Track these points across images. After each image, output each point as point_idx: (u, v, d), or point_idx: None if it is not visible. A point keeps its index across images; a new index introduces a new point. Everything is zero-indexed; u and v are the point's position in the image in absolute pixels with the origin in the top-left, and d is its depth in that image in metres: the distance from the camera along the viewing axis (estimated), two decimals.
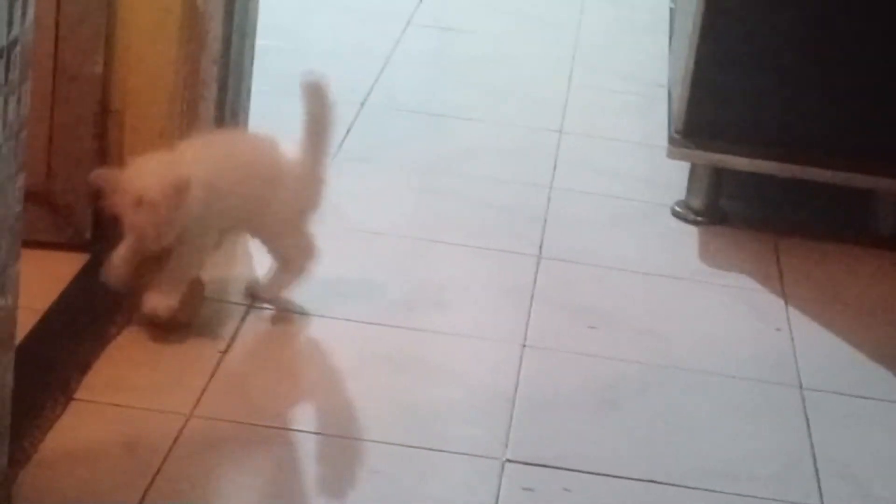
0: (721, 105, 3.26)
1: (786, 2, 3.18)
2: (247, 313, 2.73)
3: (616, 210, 3.36)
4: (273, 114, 3.53)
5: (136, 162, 2.54)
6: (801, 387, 2.73)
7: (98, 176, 2.51)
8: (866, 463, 2.53)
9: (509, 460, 2.41)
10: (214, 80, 2.85)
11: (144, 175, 2.48)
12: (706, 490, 2.40)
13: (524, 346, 2.75)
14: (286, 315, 2.75)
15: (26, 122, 1.93)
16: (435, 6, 4.53)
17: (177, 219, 2.48)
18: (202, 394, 2.46)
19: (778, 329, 2.93)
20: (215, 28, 2.81)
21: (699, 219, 3.35)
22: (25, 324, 2.44)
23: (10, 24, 1.82)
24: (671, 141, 3.29)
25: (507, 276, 3.01)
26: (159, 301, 2.55)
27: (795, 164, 3.25)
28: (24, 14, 1.87)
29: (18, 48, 1.87)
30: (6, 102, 1.85)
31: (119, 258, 2.56)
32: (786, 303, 3.03)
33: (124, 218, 2.50)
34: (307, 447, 2.39)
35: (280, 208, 2.68)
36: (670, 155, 3.30)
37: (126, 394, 2.43)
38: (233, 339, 2.64)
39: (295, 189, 2.70)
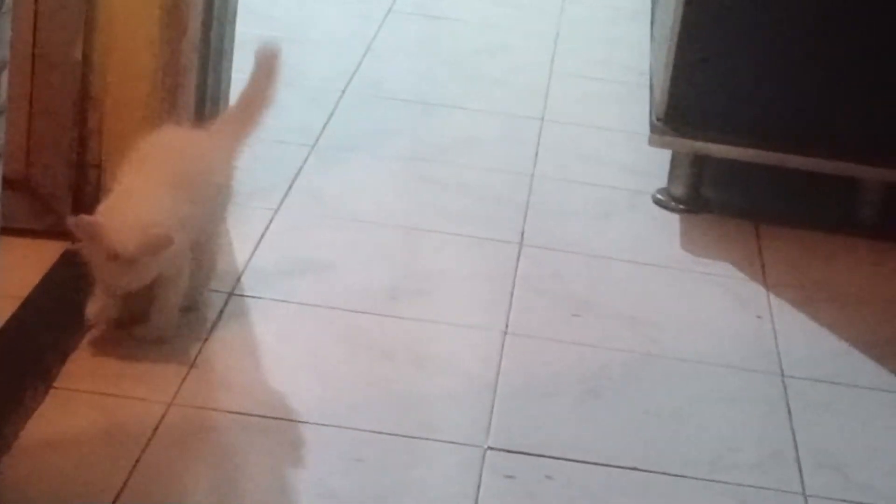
0: (702, 92, 3.26)
1: None
2: (228, 301, 2.72)
3: (598, 198, 3.36)
4: None
5: (110, 209, 2.46)
6: (782, 374, 2.73)
7: (77, 224, 2.41)
8: (847, 450, 2.53)
9: (491, 448, 2.40)
10: (194, 66, 2.84)
11: (122, 229, 2.40)
12: (688, 477, 2.40)
13: (506, 333, 2.75)
14: (268, 303, 2.74)
15: (5, 108, 1.92)
16: None
17: (152, 270, 2.43)
18: (183, 382, 2.45)
19: (759, 317, 2.94)
20: (195, 14, 2.80)
21: (681, 207, 3.35)
22: (5, 311, 2.44)
23: None
24: (652, 128, 3.29)
25: (489, 264, 3.01)
26: (158, 338, 2.53)
27: (777, 151, 3.25)
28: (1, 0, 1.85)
29: None
30: None
31: (96, 309, 2.50)
32: (767, 291, 3.03)
33: (97, 269, 2.44)
34: (289, 435, 2.39)
35: (222, 201, 2.66)
36: (651, 142, 3.30)
37: (106, 382, 2.42)
38: (213, 326, 2.64)
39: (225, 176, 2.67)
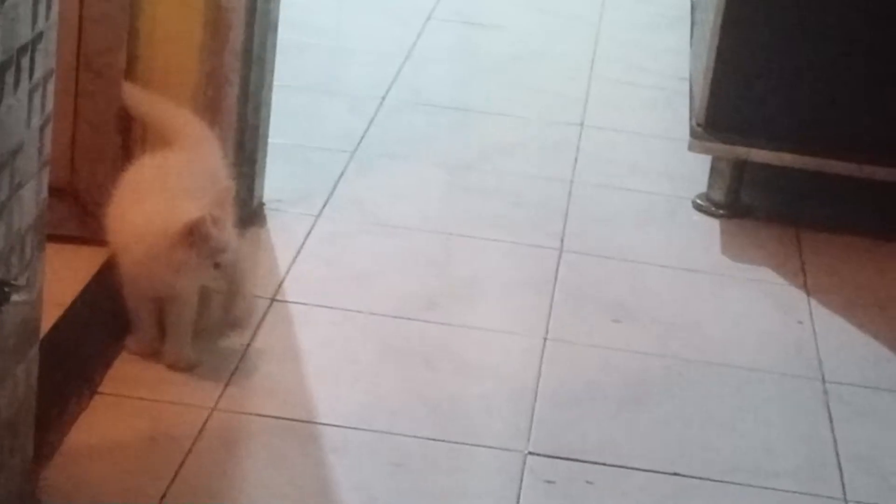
0: (742, 98, 3.25)
1: None
2: (270, 306, 2.74)
3: (638, 203, 3.36)
4: (293, 108, 3.55)
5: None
6: (823, 380, 2.73)
7: (196, 225, 2.37)
8: (889, 456, 2.52)
9: (531, 453, 2.41)
10: (237, 74, 2.85)
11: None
12: (729, 483, 2.40)
13: (546, 339, 2.76)
14: (309, 309, 2.76)
15: (51, 117, 1.94)
16: (455, 1, 4.53)
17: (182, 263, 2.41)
18: (226, 387, 2.47)
19: (800, 322, 2.93)
20: (238, 22, 2.82)
21: (721, 212, 3.34)
22: (49, 318, 2.45)
23: (34, 19, 1.83)
24: (692, 134, 3.29)
25: (529, 271, 3.01)
26: (177, 358, 2.51)
27: (817, 157, 3.25)
28: (48, 9, 1.87)
29: (42, 43, 1.87)
30: (31, 98, 1.86)
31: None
32: (808, 296, 3.03)
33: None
34: (331, 440, 2.40)
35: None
36: (692, 148, 3.29)
37: (150, 387, 2.43)
38: (256, 331, 2.65)
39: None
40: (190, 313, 2.51)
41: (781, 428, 2.58)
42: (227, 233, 2.42)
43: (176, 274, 2.41)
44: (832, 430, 2.58)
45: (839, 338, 2.88)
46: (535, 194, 3.34)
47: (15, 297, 1.77)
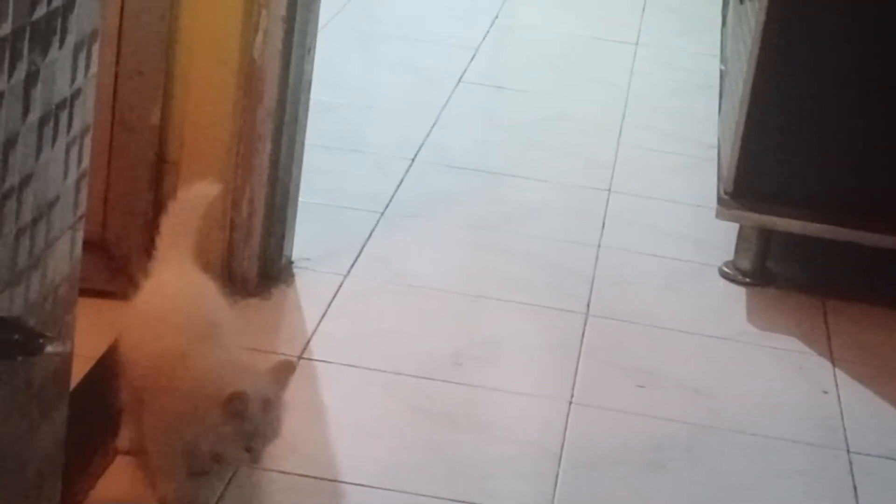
0: (770, 167, 3.26)
1: (837, 65, 3.19)
2: (296, 365, 2.74)
3: (664, 270, 3.37)
4: (323, 167, 3.57)
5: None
6: (848, 451, 2.72)
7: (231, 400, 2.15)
8: None
9: None
10: (269, 133, 2.88)
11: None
12: None
13: (571, 403, 2.76)
14: (335, 367, 2.76)
15: (87, 171, 1.96)
16: (486, 64, 4.57)
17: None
18: None
19: (825, 392, 2.93)
20: (271, 81, 2.85)
21: (747, 280, 3.35)
22: (79, 371, 2.46)
23: (73, 74, 1.85)
24: (720, 201, 3.30)
25: (555, 334, 3.02)
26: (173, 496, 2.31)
27: (844, 227, 3.25)
28: (87, 65, 1.90)
29: (80, 98, 1.90)
30: (68, 152, 1.88)
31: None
32: (833, 365, 3.02)
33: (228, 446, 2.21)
34: (355, 499, 2.40)
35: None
36: (719, 215, 3.30)
37: None
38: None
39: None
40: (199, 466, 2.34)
41: (805, 499, 2.57)
42: (274, 419, 2.20)
43: (204, 438, 2.23)
44: (856, 501, 2.57)
45: (864, 408, 2.88)
46: (561, 258, 3.35)
47: (49, 349, 1.78)
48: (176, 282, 2.38)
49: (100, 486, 2.31)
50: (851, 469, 2.66)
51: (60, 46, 1.79)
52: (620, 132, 4.14)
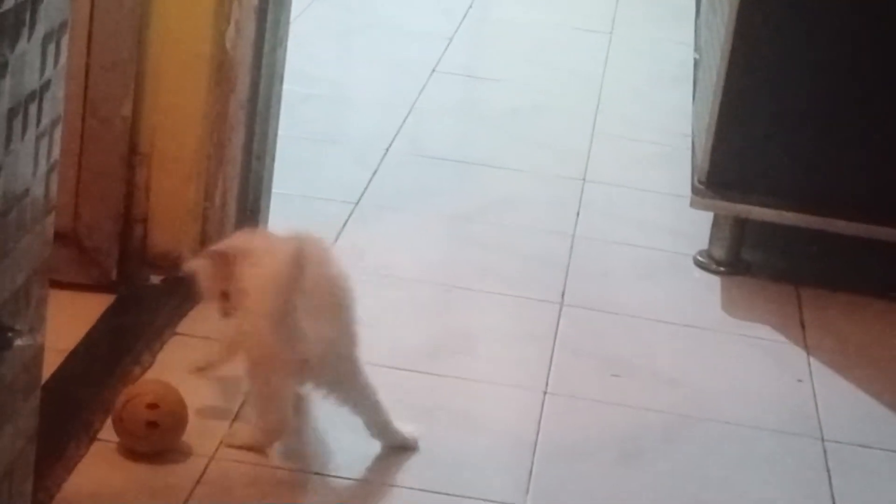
0: (744, 156, 3.27)
1: (809, 54, 3.19)
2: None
3: (639, 259, 3.37)
4: (297, 158, 3.56)
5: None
6: (822, 439, 2.73)
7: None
8: None
9: None
10: (242, 124, 2.87)
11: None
12: None
13: (546, 393, 2.76)
14: None
15: (57, 163, 1.95)
16: (460, 54, 4.56)
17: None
18: (225, 436, 2.47)
19: (800, 380, 2.93)
20: (243, 73, 2.84)
21: (722, 269, 3.35)
22: (50, 364, 2.45)
23: (42, 67, 1.84)
24: (694, 191, 3.30)
25: (530, 324, 3.02)
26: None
27: (818, 215, 3.26)
28: (56, 57, 1.89)
29: (50, 91, 1.88)
30: (37, 145, 1.87)
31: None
32: (808, 354, 3.03)
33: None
34: (329, 491, 2.39)
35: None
36: (693, 205, 3.30)
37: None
38: None
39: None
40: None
41: (780, 486, 2.57)
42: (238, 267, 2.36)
43: None
44: (831, 489, 2.57)
45: (839, 396, 2.88)
46: (536, 248, 3.35)
47: (18, 343, 1.77)
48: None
49: (73, 478, 2.30)
50: (826, 457, 2.67)
51: (29, 38, 1.78)
52: (595, 122, 4.14)
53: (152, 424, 2.35)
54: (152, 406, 2.35)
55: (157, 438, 2.36)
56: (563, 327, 3.01)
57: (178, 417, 2.39)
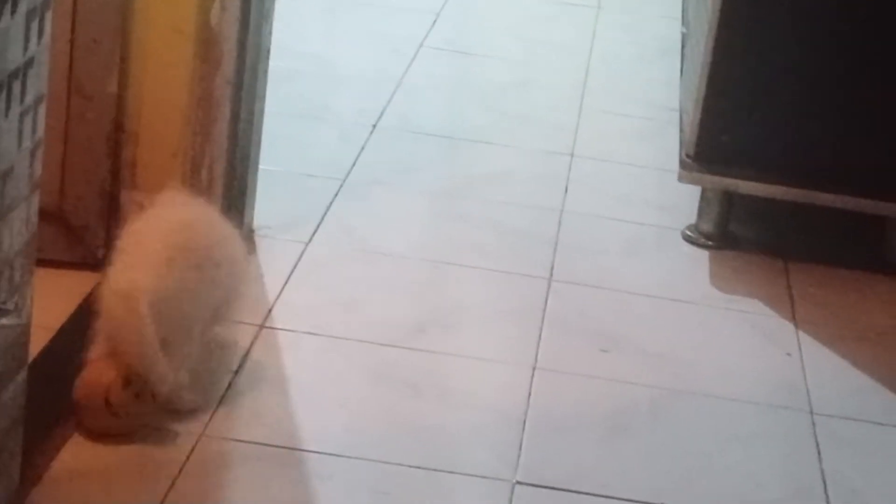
0: (732, 129, 3.26)
1: (797, 28, 3.19)
2: (258, 333, 2.73)
3: (627, 234, 3.37)
4: (284, 134, 3.55)
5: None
6: (811, 412, 2.73)
7: None
8: (877, 488, 2.52)
9: (519, 482, 2.41)
10: (228, 100, 2.86)
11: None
12: None
13: (535, 368, 2.76)
14: (297, 336, 2.76)
15: (42, 141, 1.94)
16: (447, 29, 4.55)
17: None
18: (213, 413, 2.46)
19: (788, 354, 2.93)
20: (229, 49, 2.82)
21: (710, 243, 3.35)
22: (38, 342, 2.44)
23: (25, 43, 1.83)
24: (682, 165, 3.30)
25: (518, 299, 3.01)
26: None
27: (806, 189, 3.25)
28: (40, 33, 1.88)
29: (34, 68, 1.88)
30: (21, 122, 1.86)
31: None
32: (796, 327, 3.03)
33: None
34: (317, 467, 2.39)
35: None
36: (681, 179, 3.30)
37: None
38: (244, 359, 2.65)
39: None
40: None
41: (769, 459, 2.58)
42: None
43: None
44: (820, 462, 2.58)
45: (827, 369, 2.89)
46: (524, 223, 3.35)
47: (3, 321, 1.77)
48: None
49: (61, 457, 2.29)
50: (815, 430, 2.67)
51: (12, 15, 1.77)
52: (583, 97, 4.13)
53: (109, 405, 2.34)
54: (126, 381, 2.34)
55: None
56: (551, 303, 3.01)
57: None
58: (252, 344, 2.70)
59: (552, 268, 3.15)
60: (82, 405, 2.35)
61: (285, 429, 2.47)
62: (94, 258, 2.78)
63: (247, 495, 2.32)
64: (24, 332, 1.99)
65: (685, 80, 3.71)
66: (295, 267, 3.01)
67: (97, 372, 2.35)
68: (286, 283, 2.94)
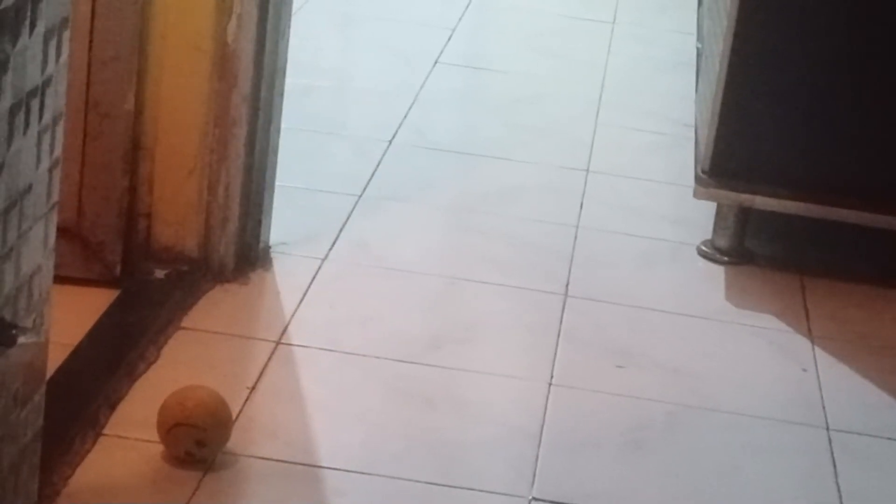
0: (747, 145, 3.26)
1: (813, 43, 3.19)
2: (275, 349, 2.74)
3: (642, 249, 3.37)
4: (300, 150, 3.56)
5: None
6: (827, 428, 2.73)
7: None
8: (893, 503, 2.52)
9: (535, 499, 2.41)
10: (244, 117, 2.87)
11: None
12: None
13: (550, 384, 2.76)
14: (314, 352, 2.76)
15: (60, 159, 1.95)
16: (463, 44, 4.56)
17: None
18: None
19: (804, 370, 2.93)
20: (245, 66, 2.83)
21: (725, 258, 3.35)
22: (55, 359, 2.46)
23: (44, 63, 1.84)
24: (698, 180, 3.30)
25: (534, 315, 3.02)
26: None
27: (822, 204, 3.25)
28: (58, 52, 1.89)
29: (52, 86, 1.88)
30: (40, 140, 1.87)
31: None
32: (812, 343, 3.03)
33: None
34: (334, 483, 2.40)
35: None
36: (697, 194, 3.30)
37: (155, 430, 2.43)
38: (260, 375, 2.65)
39: None
40: None
41: (785, 475, 2.57)
42: None
43: None
44: (836, 478, 2.57)
45: (843, 385, 2.88)
46: (539, 238, 3.35)
47: (22, 340, 1.77)
48: None
49: (79, 473, 2.30)
50: (831, 446, 2.67)
51: (31, 34, 1.78)
52: (598, 112, 4.14)
53: (190, 455, 2.35)
54: (200, 443, 2.35)
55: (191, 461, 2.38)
56: (567, 318, 3.01)
57: (220, 445, 2.39)
58: (268, 360, 2.70)
59: (567, 283, 3.15)
60: (164, 439, 2.38)
61: (301, 445, 2.48)
62: (111, 275, 2.80)
63: None
64: (43, 350, 2.00)
65: (700, 96, 3.71)
66: (311, 283, 3.01)
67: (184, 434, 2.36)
68: (302, 299, 2.94)
